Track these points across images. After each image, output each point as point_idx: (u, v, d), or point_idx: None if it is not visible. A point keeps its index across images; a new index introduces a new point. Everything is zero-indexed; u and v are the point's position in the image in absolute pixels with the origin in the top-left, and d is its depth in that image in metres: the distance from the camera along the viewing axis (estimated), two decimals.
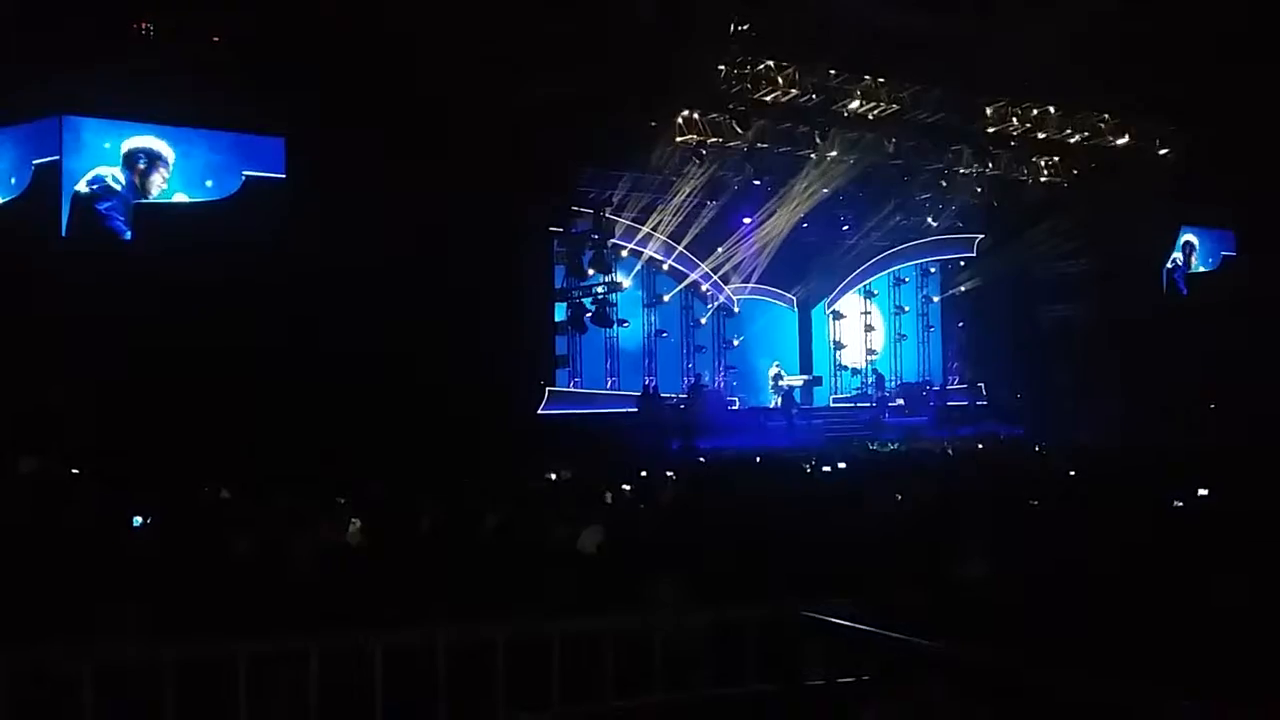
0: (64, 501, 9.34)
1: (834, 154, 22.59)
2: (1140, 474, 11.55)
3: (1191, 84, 21.78)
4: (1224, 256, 27.46)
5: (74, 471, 12.18)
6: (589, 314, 22.03)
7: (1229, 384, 21.37)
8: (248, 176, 16.65)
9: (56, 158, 15.83)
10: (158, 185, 16.28)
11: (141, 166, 16.13)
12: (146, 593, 5.43)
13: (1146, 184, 24.35)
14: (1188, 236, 27.23)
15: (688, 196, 22.80)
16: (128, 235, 16.06)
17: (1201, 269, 27.35)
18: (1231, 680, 4.02)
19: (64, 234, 15.64)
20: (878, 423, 24.16)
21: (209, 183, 16.61)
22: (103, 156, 16.07)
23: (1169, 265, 26.87)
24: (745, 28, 20.24)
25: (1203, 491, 9.69)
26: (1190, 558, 6.24)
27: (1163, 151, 25.21)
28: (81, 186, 15.83)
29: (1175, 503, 9.36)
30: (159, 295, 14.64)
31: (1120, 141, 24.88)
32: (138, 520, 8.05)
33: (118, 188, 16.01)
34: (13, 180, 16.39)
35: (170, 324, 14.56)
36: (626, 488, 11.15)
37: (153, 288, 14.67)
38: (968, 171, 24.39)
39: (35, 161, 16.05)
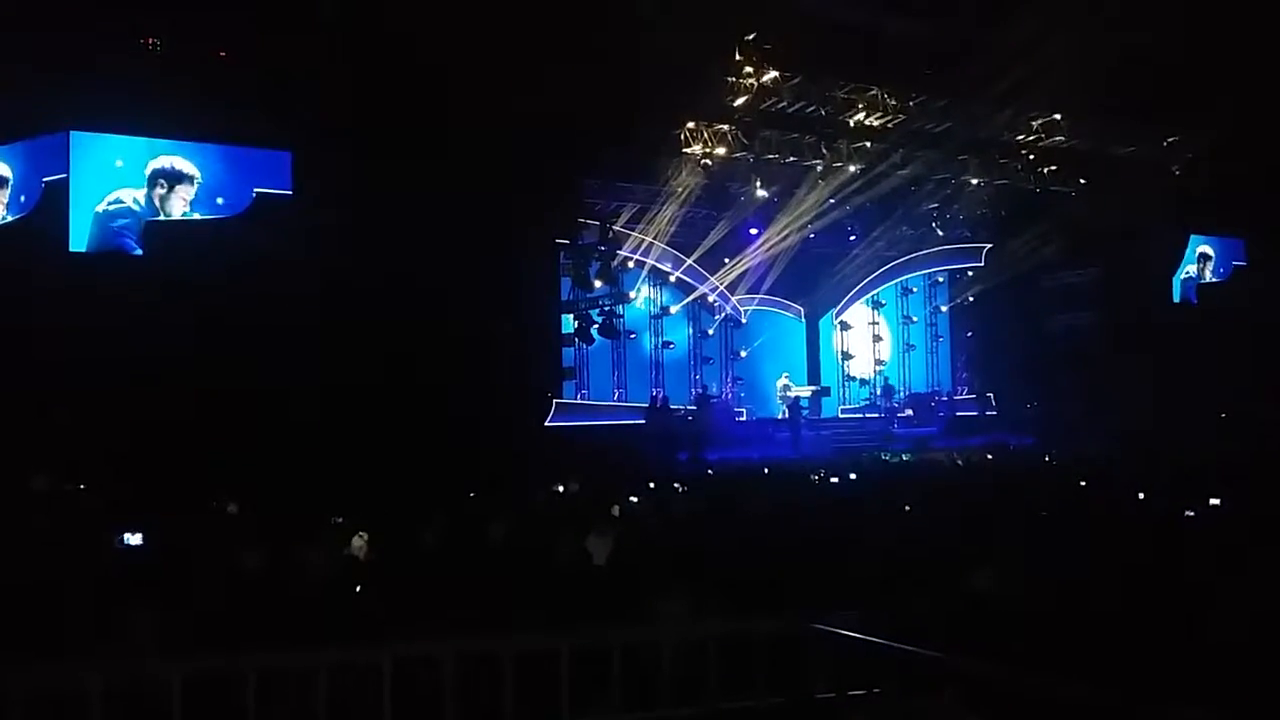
0: (73, 517, 9.35)
1: (841, 165, 22.60)
2: (1151, 484, 11.48)
3: (1200, 91, 21.73)
4: (1235, 266, 27.38)
5: (82, 487, 12.19)
6: (596, 326, 22.04)
7: (1240, 393, 21.26)
8: (259, 193, 16.75)
9: (64, 175, 15.95)
10: (179, 206, 16.50)
11: (162, 189, 16.37)
12: (155, 608, 5.42)
13: (1155, 192, 24.29)
14: (1203, 248, 27.14)
15: (694, 208, 22.83)
16: (137, 251, 16.18)
17: (1213, 279, 27.26)
18: (1240, 690, 3.99)
19: (85, 249, 15.89)
20: (887, 433, 24.10)
21: (220, 199, 16.73)
22: (114, 173, 16.21)
23: (1183, 276, 26.77)
24: (751, 39, 20.28)
25: (1215, 501, 9.63)
26: (1202, 567, 6.20)
27: (1171, 159, 25.16)
28: (102, 206, 16.11)
29: (1187, 512, 9.31)
30: (169, 311, 14.68)
31: (1128, 150, 24.84)
32: (139, 538, 8.03)
33: (135, 208, 16.25)
34: (22, 198, 16.51)
35: (179, 340, 14.58)
36: (634, 499, 11.13)
37: (163, 304, 14.72)
38: (975, 181, 24.37)
39: (45, 179, 16.17)
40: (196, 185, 16.52)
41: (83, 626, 5.32)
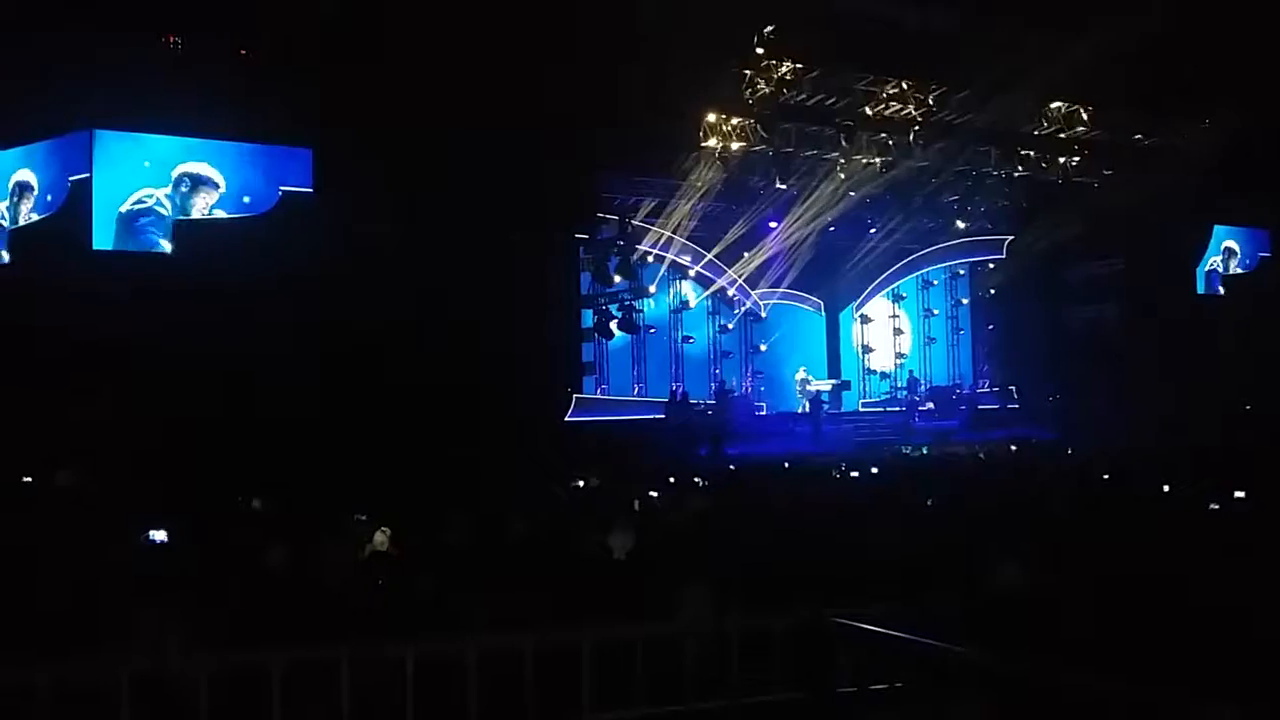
0: (98, 514, 9.43)
1: (860, 157, 22.50)
2: (1175, 477, 11.40)
3: (1223, 81, 21.52)
4: (1260, 257, 27.11)
5: (108, 484, 12.27)
6: (615, 320, 22.04)
7: (1264, 384, 21.06)
8: (284, 192, 16.88)
9: (88, 174, 16.10)
10: (200, 208, 16.78)
11: (185, 189, 16.70)
12: (181, 604, 5.47)
13: (1178, 182, 24.08)
14: (1229, 242, 26.89)
15: (713, 202, 22.80)
16: (162, 247, 16.37)
17: (1239, 270, 27.02)
18: (1269, 685, 3.96)
19: (111, 248, 16.13)
20: (907, 427, 24.01)
21: (247, 198, 16.89)
22: (140, 173, 16.42)
23: (1208, 268, 26.53)
24: (770, 32, 20.22)
25: (1239, 494, 9.56)
26: (1227, 561, 6.16)
27: (1194, 149, 24.92)
28: (126, 206, 16.36)
29: (1211, 505, 9.24)
30: (195, 309, 14.79)
31: (1150, 140, 24.62)
32: (164, 535, 8.08)
33: (159, 207, 16.51)
34: (49, 198, 16.69)
35: (206, 338, 14.69)
36: (654, 494, 11.13)
37: (189, 301, 14.84)
38: (996, 172, 24.22)
39: (71, 178, 16.35)
40: (219, 193, 16.79)
41: (109, 623, 5.38)
